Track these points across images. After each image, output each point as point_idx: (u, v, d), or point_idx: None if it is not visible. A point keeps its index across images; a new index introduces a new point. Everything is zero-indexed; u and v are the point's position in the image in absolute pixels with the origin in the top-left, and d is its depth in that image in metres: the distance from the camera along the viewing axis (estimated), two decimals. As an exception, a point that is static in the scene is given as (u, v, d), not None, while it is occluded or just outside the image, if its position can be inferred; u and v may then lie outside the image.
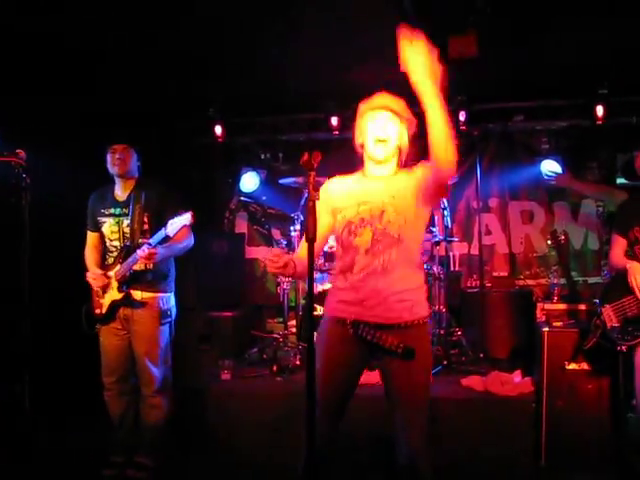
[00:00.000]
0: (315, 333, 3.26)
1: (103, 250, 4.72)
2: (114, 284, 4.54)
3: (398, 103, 3.29)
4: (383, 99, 3.31)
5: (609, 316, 4.38)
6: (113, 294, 4.55)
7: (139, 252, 4.34)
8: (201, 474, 4.98)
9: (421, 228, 3.32)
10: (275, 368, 5.94)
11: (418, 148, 3.34)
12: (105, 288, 4.57)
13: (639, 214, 4.38)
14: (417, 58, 2.82)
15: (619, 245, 4.46)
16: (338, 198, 3.37)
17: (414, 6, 5.14)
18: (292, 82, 6.75)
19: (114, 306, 4.56)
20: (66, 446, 5.23)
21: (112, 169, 4.63)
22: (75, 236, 4.81)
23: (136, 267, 4.49)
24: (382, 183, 3.28)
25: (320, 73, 6.53)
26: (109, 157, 4.63)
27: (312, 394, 2.64)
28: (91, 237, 4.78)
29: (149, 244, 4.32)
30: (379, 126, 3.26)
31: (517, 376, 5.44)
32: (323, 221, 3.35)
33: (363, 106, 3.36)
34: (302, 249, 3.52)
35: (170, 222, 4.31)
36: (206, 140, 7.86)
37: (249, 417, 5.31)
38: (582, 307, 5.57)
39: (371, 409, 4.20)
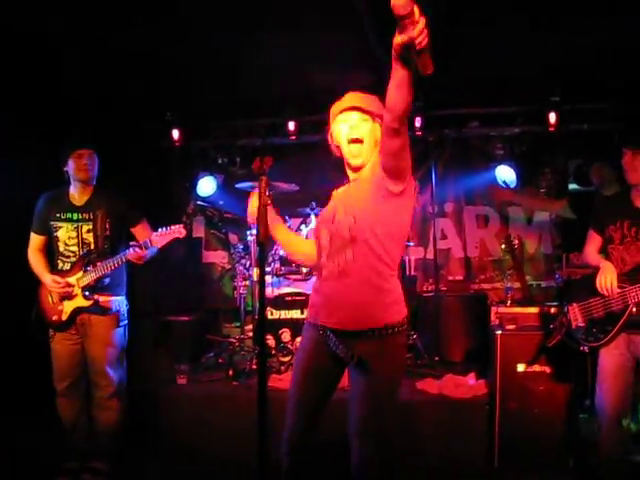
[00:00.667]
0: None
1: (52, 254, 4.65)
2: (77, 291, 4.49)
3: (369, 101, 3.21)
4: (353, 99, 3.23)
5: (575, 315, 4.34)
6: (78, 301, 4.51)
7: (129, 251, 4.34)
8: (157, 478, 4.95)
9: (389, 224, 3.11)
10: (231, 372, 5.92)
11: None
12: (66, 295, 4.52)
13: (615, 213, 4.29)
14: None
15: (594, 242, 4.41)
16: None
17: (369, 13, 5.19)
18: (250, 86, 6.77)
19: (76, 313, 4.52)
20: (17, 452, 5.17)
21: (76, 174, 4.57)
22: (25, 238, 4.74)
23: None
24: (350, 187, 3.28)
25: (278, 78, 6.55)
26: (73, 162, 4.56)
27: (263, 396, 2.65)
28: (36, 240, 4.68)
29: (139, 246, 4.33)
30: (351, 126, 3.19)
31: (471, 379, 5.50)
32: None
33: (334, 108, 3.27)
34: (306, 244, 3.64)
35: (158, 232, 4.33)
36: (163, 144, 7.83)
37: (205, 421, 5.30)
38: (535, 310, 5.63)
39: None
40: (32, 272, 4.66)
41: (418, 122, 7.28)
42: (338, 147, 3.27)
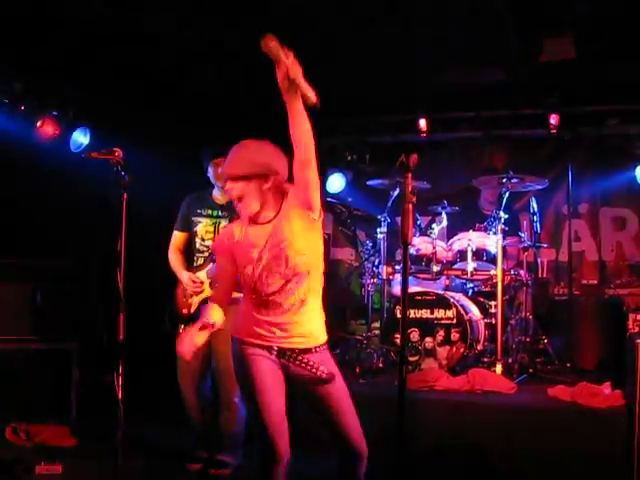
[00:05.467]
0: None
1: (191, 251, 4.81)
2: (206, 282, 4.61)
3: (243, 164, 3.26)
4: (226, 167, 3.31)
5: None
6: (205, 292, 4.62)
7: None
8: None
9: (317, 250, 3.36)
10: (358, 370, 5.94)
11: None
12: (198, 292, 4.65)
13: None
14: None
15: None
16: (237, 246, 3.37)
17: (508, 6, 5.08)
18: (379, 83, 6.75)
19: (203, 304, 4.62)
20: (152, 439, 5.35)
21: (215, 181, 4.73)
22: (166, 233, 4.91)
23: None
24: (275, 225, 3.29)
25: (410, 74, 6.51)
26: (212, 170, 4.71)
27: (403, 395, 2.62)
28: (177, 238, 4.85)
29: None
30: (229, 192, 3.31)
31: (607, 388, 5.26)
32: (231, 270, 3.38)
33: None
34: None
35: None
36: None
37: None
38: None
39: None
40: (170, 270, 4.81)
41: (554, 120, 7.08)
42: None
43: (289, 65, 2.82)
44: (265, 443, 3.29)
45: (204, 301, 4.60)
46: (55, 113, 6.04)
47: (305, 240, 3.28)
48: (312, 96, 2.92)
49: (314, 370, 3.29)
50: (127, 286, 3.41)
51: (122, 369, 3.35)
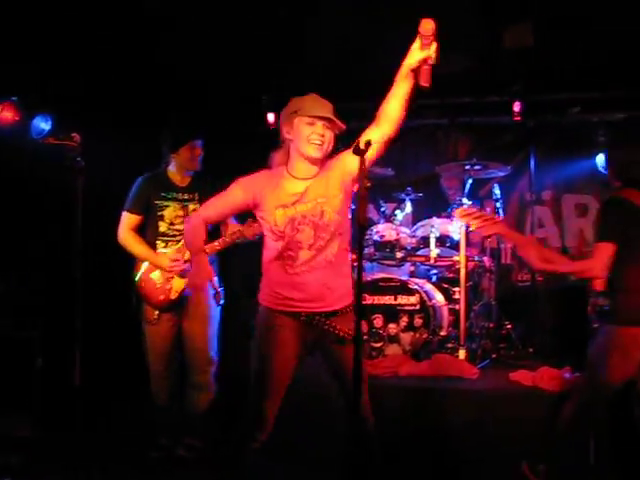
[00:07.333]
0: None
1: (150, 235, 4.64)
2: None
3: (332, 111, 3.42)
4: (322, 108, 3.40)
5: None
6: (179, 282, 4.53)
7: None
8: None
9: (347, 218, 3.50)
10: (321, 357, 5.95)
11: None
12: (181, 273, 4.53)
13: None
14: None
15: None
16: (269, 191, 3.47)
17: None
18: (345, 69, 6.74)
19: (184, 291, 4.55)
20: (112, 427, 5.32)
21: (187, 164, 4.64)
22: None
23: None
24: (313, 183, 3.43)
25: (374, 61, 6.49)
26: (187, 152, 4.60)
27: (358, 380, 2.61)
28: (131, 219, 4.63)
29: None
30: (318, 132, 3.37)
31: (567, 372, 5.34)
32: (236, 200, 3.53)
33: (301, 107, 3.41)
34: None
35: (250, 221, 4.33)
36: (259, 127, 7.84)
37: (295, 404, 5.27)
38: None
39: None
40: (126, 254, 4.67)
41: (517, 107, 7.12)
42: (291, 140, 3.45)
43: (434, 52, 2.98)
44: (254, 411, 3.44)
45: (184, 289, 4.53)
46: (14, 98, 5.92)
47: (341, 202, 3.41)
48: (431, 80, 3.05)
49: (340, 332, 3.40)
50: (85, 272, 3.37)
51: (79, 356, 3.32)
